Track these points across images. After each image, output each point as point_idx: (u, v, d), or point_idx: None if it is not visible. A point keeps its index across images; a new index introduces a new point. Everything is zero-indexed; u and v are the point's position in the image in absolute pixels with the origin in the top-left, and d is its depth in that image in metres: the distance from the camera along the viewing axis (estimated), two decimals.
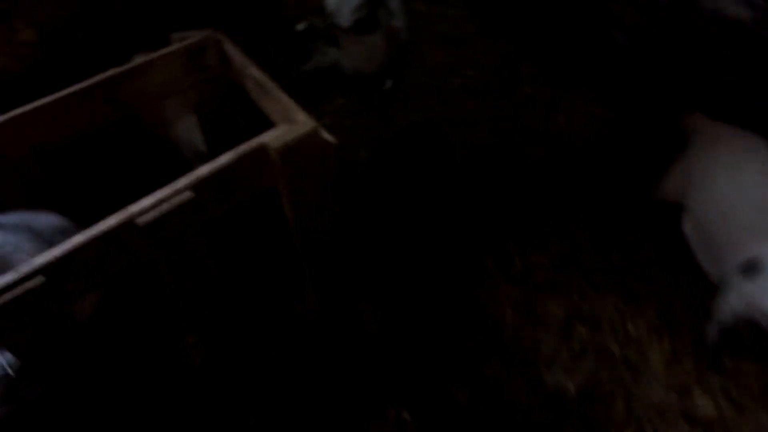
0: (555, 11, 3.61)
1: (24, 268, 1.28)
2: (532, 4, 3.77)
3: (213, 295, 1.70)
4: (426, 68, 3.65)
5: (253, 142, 1.54)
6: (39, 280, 1.29)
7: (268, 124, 1.73)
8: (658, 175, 2.65)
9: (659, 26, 3.10)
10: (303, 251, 1.83)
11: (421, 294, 2.48)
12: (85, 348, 1.50)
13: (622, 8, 3.24)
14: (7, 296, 1.25)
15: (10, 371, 1.41)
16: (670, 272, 2.52)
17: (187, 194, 1.44)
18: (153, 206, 1.41)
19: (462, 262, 2.62)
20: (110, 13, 3.94)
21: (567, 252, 2.63)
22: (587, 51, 3.52)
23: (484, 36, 3.90)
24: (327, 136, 1.62)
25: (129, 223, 1.38)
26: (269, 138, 1.53)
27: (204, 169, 1.48)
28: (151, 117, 2.53)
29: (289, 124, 1.67)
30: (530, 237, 2.71)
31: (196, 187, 1.47)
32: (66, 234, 1.41)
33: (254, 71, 1.89)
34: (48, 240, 1.47)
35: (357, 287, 2.44)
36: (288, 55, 3.66)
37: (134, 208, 1.40)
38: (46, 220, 1.53)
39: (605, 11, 3.31)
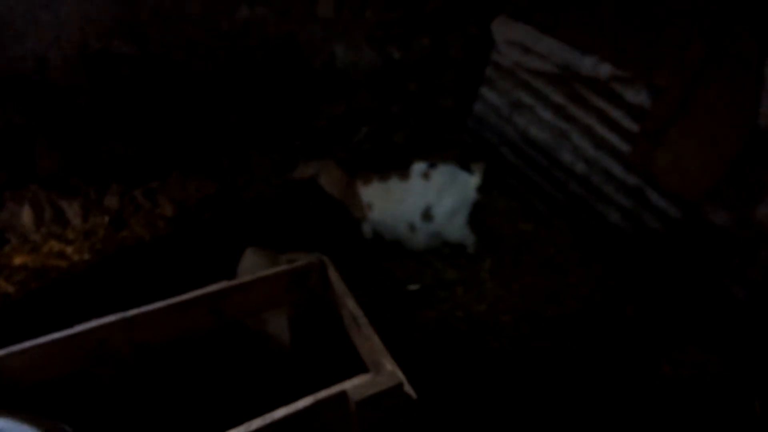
0: (665, 256, 3.54)
1: None
2: (641, 242, 3.74)
3: None
4: (524, 293, 3.61)
5: (333, 389, 1.53)
6: None
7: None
8: None
9: None
10: None
11: None
12: None
13: (741, 262, 3.12)
14: None
15: None
16: None
17: None
18: None
19: None
20: (238, 200, 4.42)
21: None
22: (700, 301, 3.34)
23: (588, 265, 3.86)
24: (409, 390, 1.58)
25: None
26: (350, 387, 1.51)
27: (280, 412, 1.47)
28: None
29: (374, 366, 1.65)
30: None
31: (270, 429, 1.44)
32: None
33: (351, 303, 1.95)
34: None
35: None
36: None
37: None
38: None
39: (724, 264, 3.19)
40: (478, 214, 4.03)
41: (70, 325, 1.88)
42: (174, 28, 4.12)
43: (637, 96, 3.49)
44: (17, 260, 3.82)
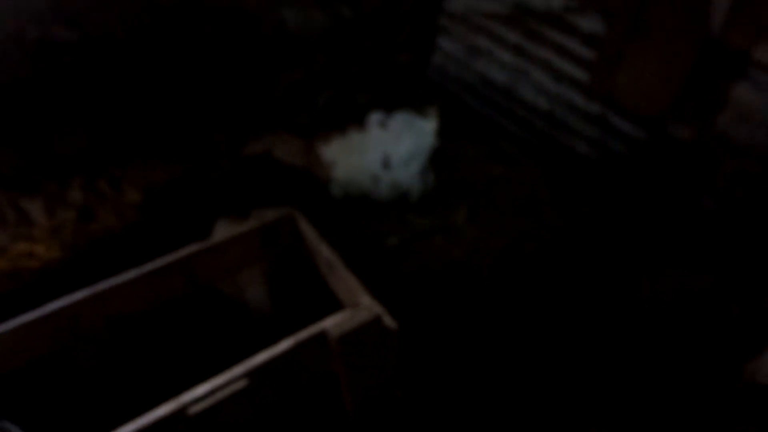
0: (637, 178, 3.57)
1: None
2: (610, 169, 3.77)
3: None
4: (502, 231, 3.63)
5: (313, 329, 1.51)
6: None
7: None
8: (752, 355, 2.36)
9: (748, 193, 2.98)
10: None
11: None
12: None
13: (707, 173, 3.17)
14: None
15: None
16: None
17: (243, 382, 1.40)
18: (207, 395, 1.37)
19: None
20: (205, 180, 4.34)
21: None
22: (672, 218, 3.40)
23: (560, 199, 3.88)
24: (389, 322, 1.57)
25: (180, 413, 1.34)
26: (330, 324, 1.50)
27: (261, 357, 1.45)
28: (223, 283, 2.61)
29: (353, 307, 1.64)
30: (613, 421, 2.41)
31: (253, 374, 1.43)
32: None
33: (325, 250, 1.93)
34: None
35: None
36: None
37: (187, 396, 1.37)
38: None
39: (691, 177, 3.24)
40: (447, 163, 4.03)
41: None
42: (114, 9, 3.97)
43: (591, 23, 3.48)
44: None
